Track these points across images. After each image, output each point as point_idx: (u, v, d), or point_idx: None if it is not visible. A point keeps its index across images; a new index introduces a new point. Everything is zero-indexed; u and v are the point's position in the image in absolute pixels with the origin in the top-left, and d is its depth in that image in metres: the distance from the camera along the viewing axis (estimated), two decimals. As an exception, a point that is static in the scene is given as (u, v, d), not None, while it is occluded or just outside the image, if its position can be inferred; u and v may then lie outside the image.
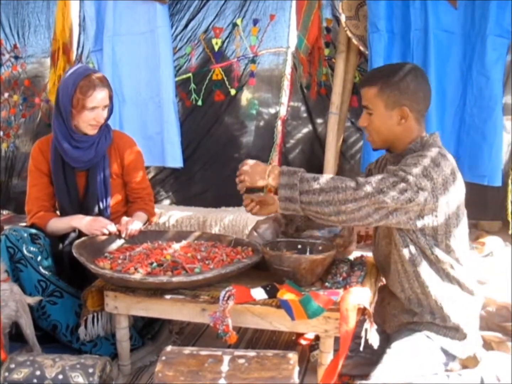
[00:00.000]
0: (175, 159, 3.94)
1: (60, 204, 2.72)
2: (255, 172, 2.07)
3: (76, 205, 2.68)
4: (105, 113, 2.62)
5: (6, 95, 4.74)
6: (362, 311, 2.01)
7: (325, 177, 1.96)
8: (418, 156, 1.97)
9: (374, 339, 1.97)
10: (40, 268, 2.41)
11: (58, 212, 2.76)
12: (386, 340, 2.16)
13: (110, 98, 2.64)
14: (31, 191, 2.70)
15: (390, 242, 2.12)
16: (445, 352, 2.05)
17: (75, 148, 2.61)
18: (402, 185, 1.89)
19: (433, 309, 2.07)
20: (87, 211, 2.65)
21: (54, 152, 2.65)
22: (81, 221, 2.56)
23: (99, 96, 2.56)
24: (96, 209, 2.68)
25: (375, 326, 1.98)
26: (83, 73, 2.56)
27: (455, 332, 2.07)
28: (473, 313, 2.14)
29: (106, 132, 2.70)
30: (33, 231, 2.50)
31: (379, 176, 1.94)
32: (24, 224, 2.92)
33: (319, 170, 3.73)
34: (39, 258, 2.41)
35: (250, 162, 2.11)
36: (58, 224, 2.61)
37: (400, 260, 2.06)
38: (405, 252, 2.03)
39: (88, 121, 2.57)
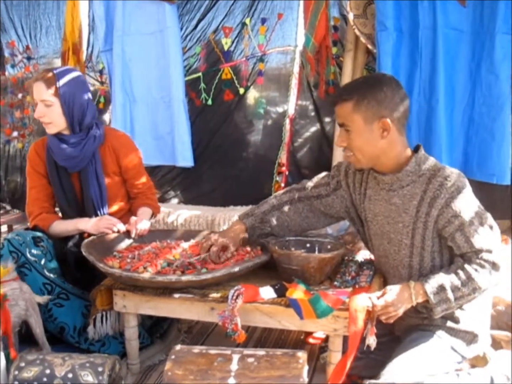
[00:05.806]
0: (185, 159, 3.95)
1: (60, 205, 2.73)
2: (402, 301, 1.94)
3: (75, 206, 2.68)
4: (49, 111, 2.54)
5: (20, 96, 4.76)
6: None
7: (468, 273, 1.92)
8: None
9: (371, 341, 1.97)
10: (45, 271, 2.40)
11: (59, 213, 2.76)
12: (396, 341, 2.16)
13: (57, 95, 2.53)
14: (31, 193, 2.70)
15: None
16: (455, 351, 2.04)
17: (61, 140, 2.60)
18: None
19: (444, 314, 2.05)
20: (86, 213, 2.65)
21: (49, 153, 2.65)
22: (87, 224, 2.57)
23: (35, 90, 2.54)
24: (94, 210, 2.67)
25: (374, 330, 1.97)
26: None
27: (465, 333, 2.06)
28: (484, 313, 2.13)
29: (94, 134, 2.64)
30: (36, 234, 2.48)
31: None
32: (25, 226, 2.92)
33: (327, 168, 3.70)
34: (43, 261, 2.41)
35: (391, 291, 1.96)
36: (62, 226, 2.61)
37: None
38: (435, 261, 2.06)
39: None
